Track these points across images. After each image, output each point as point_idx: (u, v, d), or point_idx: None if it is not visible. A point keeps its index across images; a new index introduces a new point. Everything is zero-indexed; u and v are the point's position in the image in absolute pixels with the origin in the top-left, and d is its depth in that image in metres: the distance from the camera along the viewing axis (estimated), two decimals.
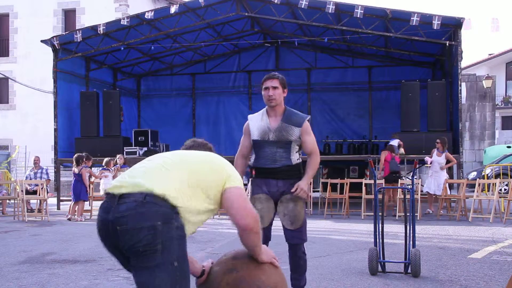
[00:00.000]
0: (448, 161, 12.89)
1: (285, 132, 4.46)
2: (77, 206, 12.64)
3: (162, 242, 2.49)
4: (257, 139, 4.53)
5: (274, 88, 4.50)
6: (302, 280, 4.61)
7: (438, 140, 12.89)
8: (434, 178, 12.84)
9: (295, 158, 4.52)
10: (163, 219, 2.51)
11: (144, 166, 2.76)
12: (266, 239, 4.51)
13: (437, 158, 12.83)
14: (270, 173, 4.47)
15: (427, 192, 13.09)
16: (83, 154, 13.20)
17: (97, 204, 14.23)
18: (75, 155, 13.10)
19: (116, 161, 13.61)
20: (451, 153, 14.19)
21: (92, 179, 13.83)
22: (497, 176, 17.64)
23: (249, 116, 4.75)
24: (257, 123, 4.60)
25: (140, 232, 2.47)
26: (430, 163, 12.92)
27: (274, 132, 4.47)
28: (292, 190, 4.39)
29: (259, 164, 4.53)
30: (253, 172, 4.63)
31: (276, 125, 4.49)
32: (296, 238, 4.45)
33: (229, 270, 2.96)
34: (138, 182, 2.59)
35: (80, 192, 12.61)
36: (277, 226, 4.56)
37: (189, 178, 2.69)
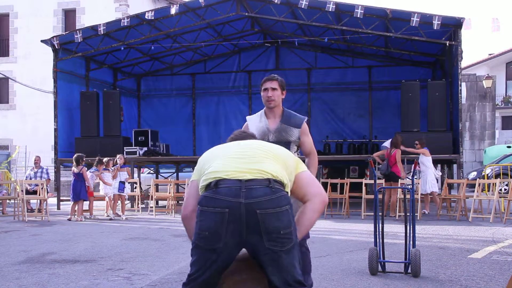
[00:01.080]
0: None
1: (285, 133, 4.50)
2: (76, 206, 12.65)
3: (293, 224, 2.82)
4: None
5: (273, 89, 4.54)
6: (308, 280, 4.60)
7: (416, 142, 12.98)
8: (422, 177, 12.86)
9: None
10: (289, 203, 2.83)
11: (249, 154, 2.98)
12: None
13: (420, 159, 12.89)
14: None
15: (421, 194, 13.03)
16: (83, 154, 13.21)
17: (98, 204, 14.25)
18: (75, 155, 13.10)
19: (116, 161, 13.61)
20: (451, 153, 14.22)
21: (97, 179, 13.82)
22: (497, 176, 17.65)
23: (247, 117, 4.78)
24: (255, 124, 4.63)
25: (281, 216, 2.75)
26: (415, 163, 12.91)
27: (274, 133, 4.51)
28: None
29: None
30: None
31: (275, 126, 4.53)
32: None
33: (231, 272, 2.96)
34: (260, 168, 2.85)
35: (80, 191, 12.62)
36: None
37: (284, 165, 2.99)
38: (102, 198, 14.22)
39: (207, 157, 3.10)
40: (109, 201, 13.21)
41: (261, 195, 2.73)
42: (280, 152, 3.08)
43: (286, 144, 4.49)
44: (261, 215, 2.70)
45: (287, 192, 2.91)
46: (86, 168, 13.05)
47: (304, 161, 4.61)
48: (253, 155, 2.96)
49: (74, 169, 12.81)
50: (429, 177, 12.84)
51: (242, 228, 2.74)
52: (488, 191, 14.73)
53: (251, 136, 3.49)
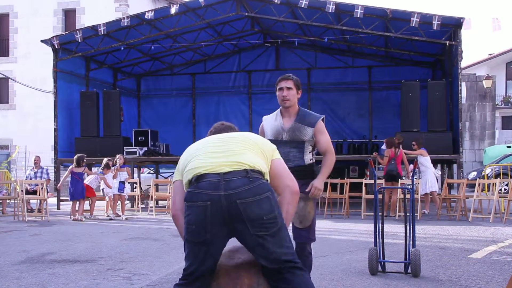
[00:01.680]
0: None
1: (298, 132, 4.48)
2: (77, 205, 12.66)
3: (276, 208, 2.92)
4: (271, 138, 4.54)
5: (289, 89, 4.51)
6: (304, 275, 4.60)
7: (414, 142, 12.97)
8: (421, 178, 12.86)
9: (308, 158, 4.54)
10: (270, 189, 2.95)
11: (226, 147, 3.09)
12: None
13: (418, 159, 12.91)
14: None
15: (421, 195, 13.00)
16: (84, 154, 13.20)
17: (98, 204, 14.24)
18: (76, 156, 13.10)
19: (115, 161, 13.61)
20: (451, 153, 14.22)
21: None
22: (497, 176, 17.65)
23: (264, 117, 4.78)
24: (271, 123, 4.63)
25: (262, 203, 2.86)
26: (414, 163, 12.91)
27: (288, 132, 4.50)
28: (307, 189, 4.40)
29: None
30: None
31: (290, 125, 4.52)
32: (303, 237, 4.46)
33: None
34: (237, 160, 2.96)
35: (82, 190, 12.66)
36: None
37: (262, 153, 3.13)
38: (102, 198, 14.22)
39: (187, 156, 3.22)
40: (109, 201, 13.21)
41: (239, 186, 2.85)
42: (257, 139, 3.23)
43: (300, 144, 4.48)
44: (242, 204, 2.83)
45: (267, 180, 3.03)
46: (88, 168, 13.02)
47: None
48: (231, 148, 3.08)
49: (74, 168, 12.80)
50: (429, 176, 12.85)
51: (225, 218, 2.87)
52: (488, 191, 14.73)
53: (230, 128, 3.57)
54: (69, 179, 13.20)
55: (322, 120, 4.58)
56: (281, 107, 4.62)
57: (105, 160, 13.41)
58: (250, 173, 2.91)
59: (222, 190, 2.83)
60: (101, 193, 13.65)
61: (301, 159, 4.49)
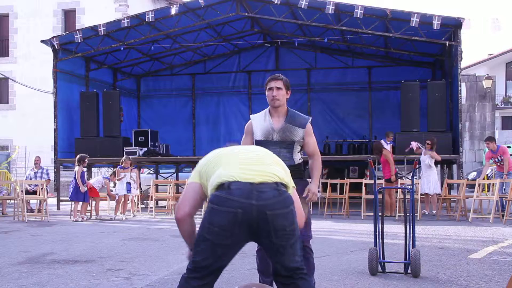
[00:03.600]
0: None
1: (289, 133, 4.50)
2: (79, 206, 12.66)
3: (296, 221, 3.07)
4: (261, 139, 4.56)
5: (278, 88, 4.54)
6: (311, 281, 4.60)
7: (428, 141, 12.94)
8: (425, 177, 12.85)
9: (297, 158, 4.58)
10: (292, 203, 3.08)
11: (256, 156, 3.21)
12: None
13: (423, 158, 12.88)
14: None
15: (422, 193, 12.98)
16: (86, 155, 13.17)
17: (103, 205, 14.25)
18: (78, 156, 13.08)
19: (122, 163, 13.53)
20: (451, 153, 14.22)
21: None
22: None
23: (252, 116, 4.77)
24: (260, 123, 4.62)
25: (287, 215, 2.99)
26: (415, 163, 12.92)
27: (278, 132, 4.51)
28: (304, 194, 4.42)
29: None
30: None
31: (280, 126, 4.53)
32: (301, 235, 4.44)
33: None
34: (268, 171, 3.07)
35: (85, 192, 12.65)
36: None
37: (282, 166, 3.26)
38: (104, 198, 14.28)
39: (211, 159, 3.24)
40: (118, 203, 13.10)
41: (270, 197, 2.96)
42: (281, 161, 3.34)
43: (290, 144, 4.51)
44: (271, 215, 2.93)
45: (290, 194, 3.14)
46: (82, 169, 12.89)
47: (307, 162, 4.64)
48: (260, 158, 3.20)
49: (75, 168, 12.83)
50: (435, 177, 12.86)
51: (252, 227, 2.96)
52: (488, 191, 14.72)
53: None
54: (70, 179, 13.22)
55: (310, 122, 4.61)
56: (269, 106, 4.64)
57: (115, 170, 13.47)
58: (280, 185, 3.03)
59: (254, 200, 2.92)
60: (116, 191, 13.56)
61: (291, 159, 4.51)
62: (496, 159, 12.59)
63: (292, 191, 3.21)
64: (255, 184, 2.96)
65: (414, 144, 13.09)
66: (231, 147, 3.39)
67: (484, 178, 12.85)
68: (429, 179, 12.82)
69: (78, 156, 12.99)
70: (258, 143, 4.57)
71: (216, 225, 2.94)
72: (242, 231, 2.97)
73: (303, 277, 3.15)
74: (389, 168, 12.69)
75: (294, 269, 3.10)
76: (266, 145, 4.52)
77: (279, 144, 4.50)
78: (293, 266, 3.09)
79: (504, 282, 5.26)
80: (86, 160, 12.97)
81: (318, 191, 15.10)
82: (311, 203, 4.60)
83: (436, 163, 13.36)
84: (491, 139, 12.96)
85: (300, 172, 4.58)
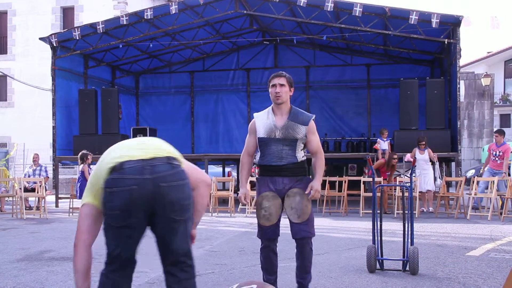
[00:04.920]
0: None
1: (292, 130, 4.50)
2: None
3: (191, 196, 3.09)
4: (264, 136, 4.56)
5: (281, 85, 4.54)
6: (308, 278, 4.63)
7: (423, 142, 12.95)
8: (423, 176, 12.85)
9: (300, 155, 4.58)
10: (187, 177, 3.09)
11: (142, 140, 3.25)
12: (275, 235, 4.56)
13: (421, 156, 12.88)
14: (276, 171, 4.51)
15: (420, 192, 12.97)
16: (88, 152, 13.03)
17: None
18: (80, 153, 12.99)
19: None
20: (449, 151, 14.23)
21: None
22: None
23: (255, 114, 4.77)
24: (263, 121, 4.62)
25: (183, 188, 3.01)
26: (413, 161, 12.95)
27: (281, 130, 4.51)
28: (307, 191, 4.44)
29: (265, 162, 4.56)
30: (257, 170, 4.70)
31: (283, 123, 4.53)
32: (303, 231, 4.47)
33: None
34: (159, 147, 3.11)
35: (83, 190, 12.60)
36: (284, 223, 4.57)
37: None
38: None
39: (98, 166, 3.18)
40: None
41: (164, 170, 2.97)
42: (170, 146, 3.30)
43: (293, 142, 4.50)
44: (166, 187, 2.94)
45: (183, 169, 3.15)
46: (88, 166, 12.84)
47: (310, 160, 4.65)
48: (147, 141, 3.22)
49: (79, 166, 12.76)
50: (430, 175, 12.90)
51: (149, 201, 2.95)
52: (486, 189, 14.72)
53: None
54: (69, 176, 13.18)
55: (313, 119, 4.61)
56: (272, 104, 4.64)
57: None
58: (171, 159, 3.05)
59: (148, 174, 2.92)
60: None
61: (293, 156, 4.52)
62: (495, 153, 12.56)
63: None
64: (147, 160, 2.97)
65: (408, 157, 13.12)
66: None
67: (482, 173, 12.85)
68: (428, 177, 12.85)
69: (80, 154, 12.79)
70: (261, 140, 4.57)
71: (116, 208, 2.94)
72: (140, 209, 2.95)
73: (187, 270, 3.14)
74: (385, 173, 12.79)
75: (182, 254, 3.10)
76: (269, 142, 4.53)
77: (282, 142, 4.50)
78: (182, 250, 3.09)
79: (502, 280, 5.27)
80: (89, 157, 12.70)
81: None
82: (317, 202, 4.63)
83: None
84: (502, 132, 12.90)
85: (303, 170, 4.59)
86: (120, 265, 3.13)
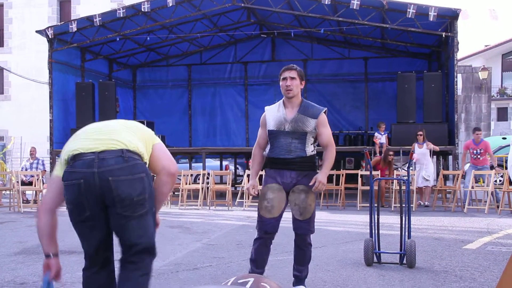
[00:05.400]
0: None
1: (301, 123, 4.46)
2: None
3: (148, 191, 2.94)
4: (273, 129, 4.53)
5: (292, 78, 4.51)
6: (304, 271, 4.64)
7: (420, 132, 12.93)
8: (423, 170, 12.81)
9: (310, 150, 4.52)
10: (145, 171, 2.95)
11: (104, 128, 3.09)
12: (273, 230, 4.51)
13: (420, 150, 12.87)
14: (284, 164, 4.47)
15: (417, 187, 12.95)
16: None
17: None
18: None
19: None
20: (447, 144, 14.25)
21: None
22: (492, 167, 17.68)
23: (266, 108, 4.74)
24: (273, 114, 4.59)
25: (134, 183, 2.87)
26: (410, 154, 12.95)
27: (290, 122, 4.47)
28: (311, 183, 4.40)
29: (274, 154, 4.53)
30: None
31: (292, 116, 4.49)
32: (302, 228, 4.48)
33: None
34: (114, 138, 2.96)
35: None
36: (284, 217, 4.57)
37: (142, 137, 3.11)
38: None
39: (67, 143, 3.16)
40: None
41: (112, 164, 2.85)
42: (138, 125, 3.22)
43: (302, 135, 4.46)
44: (114, 182, 2.83)
45: (145, 162, 3.04)
46: None
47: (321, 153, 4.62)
48: (110, 129, 3.09)
49: None
50: (431, 169, 12.92)
51: (99, 197, 2.87)
52: (483, 182, 14.77)
53: None
54: None
55: (325, 112, 4.57)
56: (284, 97, 4.60)
57: None
58: (126, 152, 2.90)
59: (95, 168, 2.83)
60: None
61: (302, 150, 4.47)
62: (475, 151, 12.60)
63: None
64: (98, 153, 2.88)
65: (415, 156, 13.06)
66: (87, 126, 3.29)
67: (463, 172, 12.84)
68: (429, 171, 12.83)
69: None
70: (271, 133, 4.54)
71: (70, 202, 2.94)
72: (91, 203, 2.89)
73: (138, 267, 2.99)
74: (383, 171, 12.79)
75: (135, 251, 2.95)
76: (278, 135, 4.50)
77: (291, 135, 4.46)
78: (135, 246, 2.94)
79: (498, 273, 5.29)
80: None
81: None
82: (321, 196, 4.59)
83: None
84: (480, 129, 13.00)
85: (312, 164, 4.53)
86: (91, 262, 3.11)
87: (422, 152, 12.83)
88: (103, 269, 3.14)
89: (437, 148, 13.08)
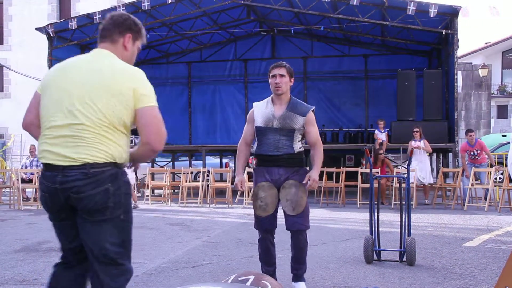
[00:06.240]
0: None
1: (289, 120, 4.48)
2: None
3: (113, 201, 2.84)
4: (261, 126, 4.55)
5: (281, 76, 4.53)
6: (303, 268, 4.64)
7: (416, 129, 12.88)
8: (420, 168, 12.80)
9: (298, 146, 4.54)
10: (111, 180, 2.83)
11: (70, 130, 2.82)
12: (272, 226, 4.54)
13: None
14: (272, 161, 4.50)
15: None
16: None
17: None
18: None
19: None
20: (447, 142, 14.24)
21: None
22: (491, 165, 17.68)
23: (254, 104, 4.76)
24: (261, 110, 4.61)
25: (95, 197, 2.79)
26: (410, 151, 12.91)
27: (278, 119, 4.49)
28: (304, 181, 4.42)
29: (261, 151, 4.55)
30: (254, 161, 4.65)
31: (281, 113, 4.51)
32: (298, 224, 4.47)
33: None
34: (77, 152, 2.78)
35: None
36: (280, 214, 4.58)
37: (125, 103, 2.85)
38: None
39: (44, 83, 3.12)
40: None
41: (74, 180, 2.78)
42: (122, 88, 2.85)
43: (290, 132, 4.48)
44: (75, 198, 2.80)
45: (116, 164, 2.89)
46: None
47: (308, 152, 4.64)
48: (75, 132, 2.81)
49: None
50: (427, 166, 12.91)
51: (64, 205, 2.87)
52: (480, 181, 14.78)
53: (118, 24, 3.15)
54: None
55: (313, 111, 4.59)
56: (272, 94, 4.63)
57: None
58: (88, 168, 2.78)
59: (57, 184, 2.81)
60: None
61: (290, 147, 4.49)
62: (472, 153, 12.60)
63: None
64: (61, 168, 2.80)
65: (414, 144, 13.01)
66: (59, 70, 3.05)
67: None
68: (426, 169, 12.83)
69: None
70: (259, 129, 4.57)
71: (43, 203, 2.99)
72: (62, 209, 2.90)
73: (104, 275, 2.88)
74: (383, 170, 12.78)
75: (107, 258, 2.86)
76: (266, 131, 4.52)
77: (279, 132, 4.48)
78: (103, 254, 2.85)
79: (498, 270, 5.30)
80: None
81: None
82: (314, 193, 4.60)
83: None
84: (473, 130, 13.00)
85: (300, 161, 4.57)
86: (64, 259, 3.10)
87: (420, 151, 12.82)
88: (74, 272, 3.10)
89: (430, 149, 13.00)
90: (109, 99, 2.81)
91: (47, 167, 2.86)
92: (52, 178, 2.83)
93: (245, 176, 4.72)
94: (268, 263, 4.62)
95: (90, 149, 2.80)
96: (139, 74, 2.96)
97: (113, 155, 2.87)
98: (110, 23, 3.07)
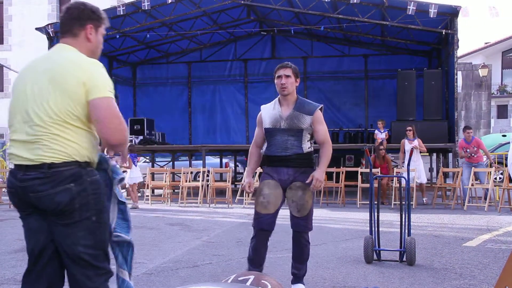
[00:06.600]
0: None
1: (297, 120, 4.47)
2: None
3: (79, 202, 2.74)
4: (269, 127, 4.54)
5: (287, 76, 4.52)
6: (303, 269, 4.63)
7: (409, 128, 12.85)
8: (417, 167, 12.77)
9: (306, 146, 4.53)
10: (73, 180, 2.74)
11: (31, 130, 2.81)
12: (269, 227, 4.48)
13: (410, 146, 12.81)
14: (281, 161, 4.49)
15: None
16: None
17: None
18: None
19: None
20: (446, 142, 14.24)
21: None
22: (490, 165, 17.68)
23: (262, 106, 4.76)
24: (269, 111, 4.61)
25: (55, 197, 2.72)
26: (410, 152, 12.89)
27: (286, 120, 4.49)
28: (308, 181, 4.39)
29: (270, 152, 4.54)
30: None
31: (288, 113, 4.51)
32: (300, 225, 4.47)
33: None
34: (37, 154, 2.75)
35: None
36: (282, 215, 4.57)
37: (61, 116, 2.75)
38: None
39: (14, 94, 3.07)
40: (134, 190, 13.08)
41: (31, 179, 2.75)
42: (62, 83, 2.76)
43: (298, 132, 4.47)
44: (35, 197, 2.76)
45: (79, 163, 2.79)
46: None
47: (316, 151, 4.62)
48: (34, 131, 2.80)
49: None
50: (421, 166, 12.90)
51: (28, 205, 2.84)
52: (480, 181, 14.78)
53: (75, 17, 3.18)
54: None
55: (320, 109, 4.58)
56: (279, 95, 4.61)
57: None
58: (46, 169, 2.73)
59: (19, 182, 2.80)
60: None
61: (299, 147, 4.48)
62: (468, 150, 12.58)
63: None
64: (23, 168, 2.78)
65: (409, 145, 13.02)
66: (20, 72, 3.05)
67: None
68: (419, 168, 12.81)
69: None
70: (267, 131, 4.57)
71: (10, 199, 2.98)
72: (26, 207, 2.86)
73: (79, 278, 2.82)
74: (385, 169, 12.75)
75: (80, 259, 2.79)
76: (274, 132, 4.52)
77: (287, 132, 4.47)
78: (77, 255, 2.78)
79: (498, 270, 5.30)
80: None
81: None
82: (320, 193, 4.56)
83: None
84: (470, 128, 13.01)
85: (308, 161, 4.54)
86: (33, 264, 2.90)
87: (411, 147, 12.79)
88: (43, 280, 2.91)
89: (425, 149, 12.97)
90: (60, 96, 2.74)
91: (15, 166, 2.88)
92: (15, 175, 2.85)
93: (256, 178, 4.69)
94: (255, 264, 4.52)
95: (46, 149, 2.75)
96: (89, 65, 2.82)
97: (70, 154, 2.76)
98: (67, 17, 3.04)
